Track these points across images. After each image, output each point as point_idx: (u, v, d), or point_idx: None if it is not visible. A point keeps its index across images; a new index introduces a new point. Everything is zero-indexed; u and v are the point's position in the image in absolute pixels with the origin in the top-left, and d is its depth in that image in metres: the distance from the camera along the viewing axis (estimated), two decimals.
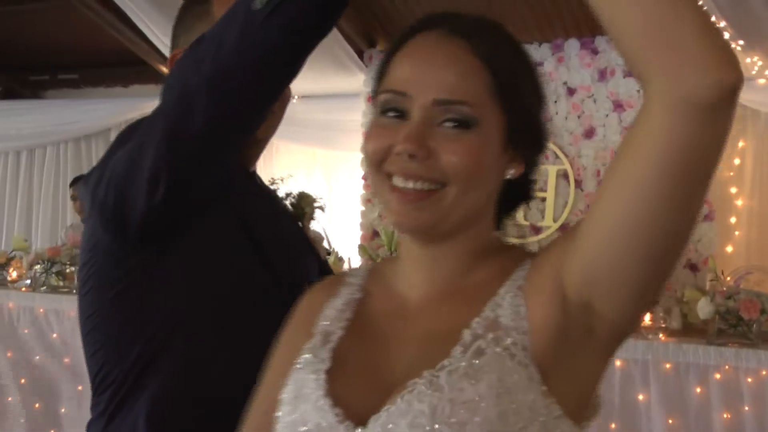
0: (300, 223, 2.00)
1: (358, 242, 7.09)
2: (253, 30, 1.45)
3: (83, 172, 7.63)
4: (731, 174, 6.74)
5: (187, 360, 1.68)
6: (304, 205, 1.93)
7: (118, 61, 8.58)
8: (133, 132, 1.67)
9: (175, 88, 1.55)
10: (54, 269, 5.04)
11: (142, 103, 8.57)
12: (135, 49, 7.85)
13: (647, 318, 4.10)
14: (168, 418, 1.68)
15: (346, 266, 4.72)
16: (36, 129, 8.75)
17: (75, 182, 6.74)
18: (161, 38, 6.90)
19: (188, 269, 1.67)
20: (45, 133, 8.80)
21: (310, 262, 1.93)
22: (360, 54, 7.29)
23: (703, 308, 3.91)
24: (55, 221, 8.75)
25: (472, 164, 1.18)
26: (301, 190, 2.15)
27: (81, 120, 8.71)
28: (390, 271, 1.35)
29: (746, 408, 3.68)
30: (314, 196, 2.04)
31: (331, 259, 4.68)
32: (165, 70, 8.05)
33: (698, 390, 3.69)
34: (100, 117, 8.74)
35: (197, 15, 1.77)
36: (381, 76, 1.29)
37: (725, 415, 3.69)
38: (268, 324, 1.56)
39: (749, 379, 3.69)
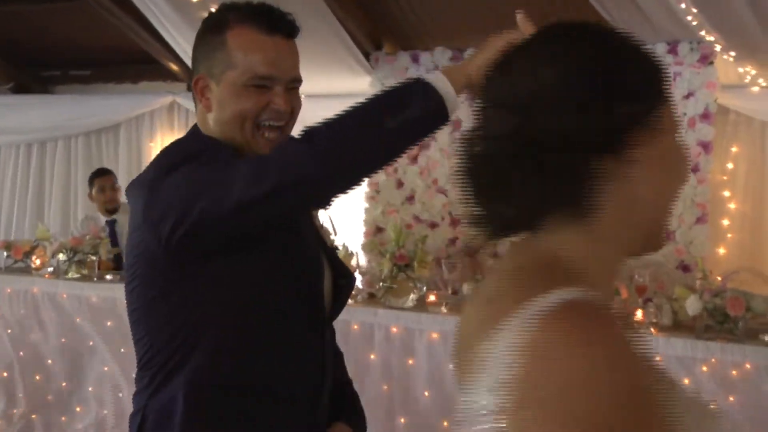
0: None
1: (362, 239, 7.29)
2: (384, 141, 1.74)
3: (93, 166, 7.83)
4: (725, 178, 6.91)
5: (215, 352, 1.93)
6: None
7: (128, 59, 8.72)
8: (181, 157, 1.91)
9: (282, 167, 1.74)
10: (76, 258, 5.25)
11: (151, 99, 8.80)
12: (147, 48, 7.99)
13: (640, 314, 4.29)
14: (201, 398, 1.93)
15: (354, 261, 4.88)
16: (47, 123, 8.86)
17: (96, 176, 6.90)
18: (177, 38, 7.08)
19: (218, 281, 1.91)
20: (56, 127, 8.91)
21: (321, 258, 2.12)
22: (367, 56, 7.44)
23: (692, 305, 4.08)
24: (66, 213, 8.88)
25: None
26: None
27: (91, 115, 8.83)
28: None
29: (731, 398, 3.85)
30: None
31: (341, 254, 4.87)
32: (174, 67, 8.24)
33: (686, 381, 3.83)
34: (109, 112, 8.86)
35: (215, 45, 1.96)
36: None
37: (711, 405, 3.88)
38: (286, 322, 1.80)
39: (734, 372, 3.86)
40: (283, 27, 1.97)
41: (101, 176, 6.90)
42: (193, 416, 1.91)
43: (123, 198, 7.02)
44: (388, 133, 1.73)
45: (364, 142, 1.75)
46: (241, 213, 1.75)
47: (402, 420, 4.39)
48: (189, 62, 6.99)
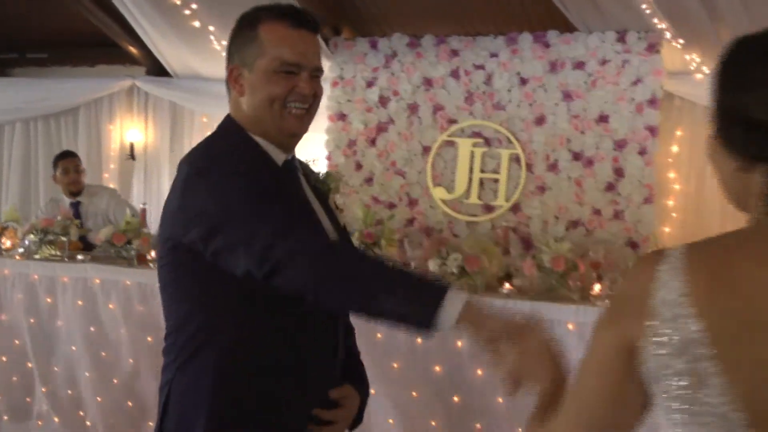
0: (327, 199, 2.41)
1: None
2: (366, 306, 1.94)
3: (53, 149, 7.88)
4: (670, 160, 7.19)
5: (238, 332, 2.15)
6: (330, 182, 2.33)
7: (86, 42, 8.72)
8: (199, 180, 2.12)
9: (307, 266, 1.94)
10: (48, 238, 5.35)
11: (109, 82, 8.83)
12: (106, 30, 8.02)
13: (597, 288, 4.55)
14: (226, 376, 2.15)
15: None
16: (5, 106, 8.85)
17: (60, 159, 6.96)
18: (140, 20, 7.20)
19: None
20: (14, 110, 8.91)
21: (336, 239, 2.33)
22: (326, 41, 7.55)
23: None
24: (26, 196, 8.88)
25: None
26: (327, 170, 2.58)
27: (49, 98, 8.84)
28: None
29: None
30: (338, 174, 2.49)
31: None
32: (134, 50, 8.31)
33: None
34: (68, 95, 8.87)
35: (249, 39, 2.22)
36: None
37: None
38: (301, 303, 2.02)
39: None
40: (308, 23, 2.23)
41: (65, 158, 6.95)
42: (219, 393, 2.13)
43: (87, 180, 7.13)
44: (373, 305, 1.91)
45: (353, 295, 1.96)
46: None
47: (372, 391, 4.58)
48: (150, 45, 7.07)
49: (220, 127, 2.32)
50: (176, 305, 2.22)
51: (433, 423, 4.58)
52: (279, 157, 2.24)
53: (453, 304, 1.81)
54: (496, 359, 1.73)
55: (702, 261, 1.27)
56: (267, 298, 2.09)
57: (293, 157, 2.32)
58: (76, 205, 6.75)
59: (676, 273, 1.26)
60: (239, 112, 2.27)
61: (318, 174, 2.38)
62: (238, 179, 2.07)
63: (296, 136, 2.28)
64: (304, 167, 2.41)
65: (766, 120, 1.27)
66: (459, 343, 4.40)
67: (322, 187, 2.41)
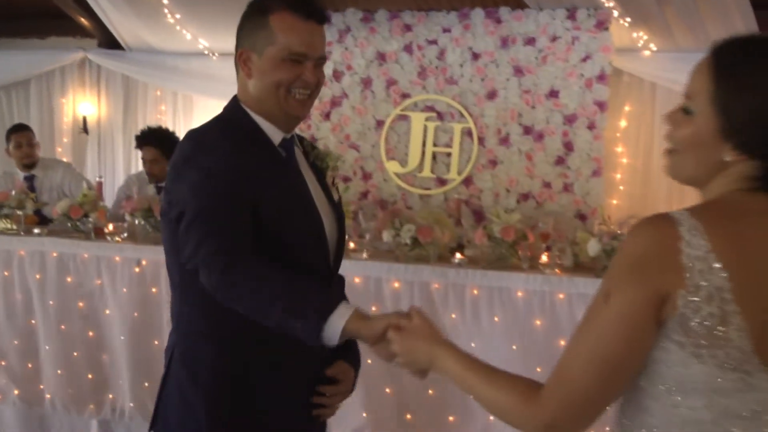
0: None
1: None
2: (264, 316, 2.17)
3: (5, 123, 7.84)
4: (618, 135, 7.35)
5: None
6: (328, 160, 2.45)
7: (35, 13, 8.64)
8: (185, 167, 2.30)
9: (218, 272, 2.18)
10: (3, 212, 5.35)
11: (61, 55, 8.78)
12: (57, 2, 7.99)
13: (544, 256, 4.68)
14: (223, 341, 2.37)
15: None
16: None
17: (12, 132, 6.93)
18: None
19: None
20: None
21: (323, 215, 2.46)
22: None
23: (592, 247, 4.47)
24: None
25: None
26: (325, 148, 2.72)
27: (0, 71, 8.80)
28: None
29: None
30: (337, 153, 2.63)
31: None
32: (85, 22, 8.26)
33: None
34: (18, 68, 8.84)
35: (259, 25, 2.35)
36: None
37: None
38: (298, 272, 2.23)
39: None
40: (316, 14, 2.38)
41: (17, 132, 6.93)
42: (219, 359, 2.35)
43: (41, 154, 7.11)
44: (269, 316, 2.15)
45: (253, 306, 2.17)
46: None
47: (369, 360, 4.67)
48: (102, 17, 7.05)
49: (225, 108, 2.47)
50: (175, 273, 2.40)
51: (408, 416, 4.70)
52: (277, 136, 2.40)
53: (338, 319, 2.06)
54: (385, 356, 2.03)
55: (714, 223, 1.53)
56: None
57: (293, 136, 2.45)
58: (30, 179, 6.74)
59: (699, 233, 1.51)
60: (245, 93, 2.42)
61: (318, 152, 2.50)
62: (213, 179, 2.22)
63: (298, 119, 2.44)
64: (305, 145, 2.53)
65: None
66: None
67: (321, 164, 2.51)
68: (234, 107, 2.44)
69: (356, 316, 2.08)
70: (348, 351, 2.54)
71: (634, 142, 7.38)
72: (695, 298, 1.50)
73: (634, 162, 7.37)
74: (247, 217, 2.22)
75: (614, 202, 7.25)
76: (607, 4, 6.56)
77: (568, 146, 6.76)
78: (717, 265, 1.50)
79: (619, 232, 4.61)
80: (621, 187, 7.36)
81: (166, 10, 7.28)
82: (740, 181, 1.61)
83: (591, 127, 6.78)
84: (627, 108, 7.34)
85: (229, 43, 7.40)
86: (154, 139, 6.62)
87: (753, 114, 1.57)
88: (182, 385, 2.38)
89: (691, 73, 1.69)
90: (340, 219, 2.55)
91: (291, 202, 2.33)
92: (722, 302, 1.49)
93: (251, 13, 2.40)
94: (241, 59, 2.39)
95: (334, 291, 2.52)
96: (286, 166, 2.41)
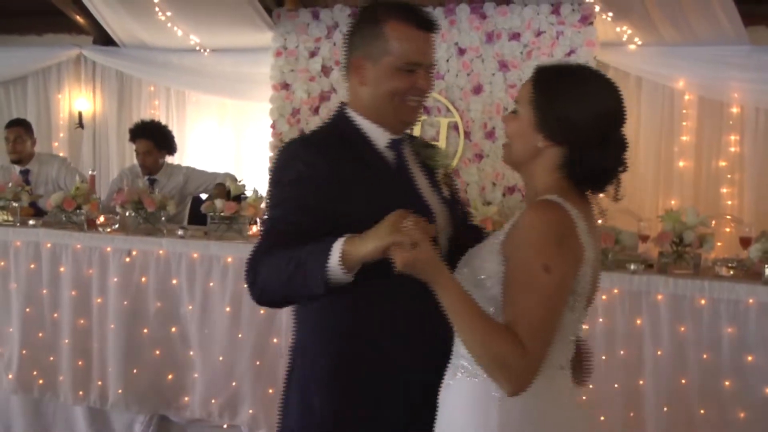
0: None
1: (267, 186, 7.60)
2: (286, 293, 2.28)
3: (3, 118, 7.95)
4: None
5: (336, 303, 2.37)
6: (438, 159, 2.54)
7: (32, 10, 8.76)
8: (274, 175, 2.41)
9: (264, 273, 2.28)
10: (0, 204, 5.48)
11: (57, 51, 8.90)
12: (53, 0, 8.12)
13: None
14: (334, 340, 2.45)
15: (262, 205, 5.22)
16: None
17: (6, 127, 7.03)
18: None
19: None
20: None
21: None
22: (269, 12, 7.74)
23: None
24: None
25: None
26: (432, 142, 2.72)
27: None
28: None
29: (600, 320, 4.34)
30: (445, 150, 2.67)
31: (251, 199, 5.22)
32: (81, 20, 8.38)
33: None
34: (16, 65, 8.97)
35: (374, 35, 2.40)
36: None
37: (584, 326, 4.35)
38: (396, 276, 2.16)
39: (603, 297, 4.33)
40: (428, 23, 2.43)
41: (8, 127, 7.00)
42: (333, 356, 2.44)
43: (37, 149, 7.22)
44: (288, 290, 2.24)
45: (276, 289, 2.26)
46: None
47: None
48: (97, 15, 7.15)
49: (332, 117, 2.56)
50: None
51: None
52: (383, 138, 2.47)
53: (335, 248, 2.11)
54: (395, 257, 2.01)
55: (583, 210, 2.07)
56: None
57: (402, 137, 2.53)
58: (25, 173, 6.86)
59: (580, 218, 2.02)
60: (357, 99, 2.49)
61: (427, 151, 2.58)
62: (287, 188, 2.33)
63: (410, 124, 2.52)
64: (416, 144, 2.61)
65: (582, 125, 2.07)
66: None
67: (430, 163, 2.60)
68: (338, 115, 2.53)
69: (350, 239, 2.10)
70: None
71: None
72: (586, 268, 2.02)
73: None
74: (313, 227, 2.24)
75: (600, 195, 7.34)
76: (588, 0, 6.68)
77: None
78: (591, 242, 2.03)
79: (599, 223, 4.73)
80: None
81: (157, 9, 7.39)
82: (554, 169, 2.11)
83: None
84: None
85: (219, 39, 7.56)
86: (148, 132, 6.74)
87: (555, 112, 2.09)
88: (301, 381, 2.47)
89: (522, 85, 2.23)
90: (454, 215, 2.58)
91: (391, 202, 2.21)
92: (592, 269, 2.06)
93: (364, 22, 2.46)
94: (354, 67, 2.45)
95: None
96: (391, 168, 2.47)
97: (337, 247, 2.10)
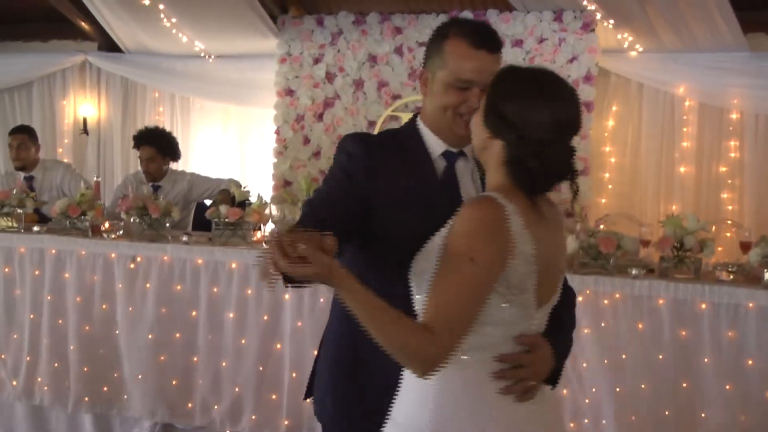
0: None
1: (270, 192, 7.68)
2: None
3: (8, 124, 8.00)
4: (605, 134, 7.50)
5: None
6: None
7: (37, 17, 8.83)
8: (346, 152, 2.51)
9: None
10: (4, 211, 5.51)
11: (61, 58, 8.95)
12: (57, 6, 8.15)
13: None
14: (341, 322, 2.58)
15: (267, 211, 5.25)
16: None
17: (9, 134, 7.07)
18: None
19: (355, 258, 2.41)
20: None
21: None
22: (274, 19, 7.80)
23: (570, 244, 4.56)
24: None
25: None
26: None
27: (3, 73, 8.98)
28: None
29: (602, 324, 4.36)
30: None
31: (255, 205, 5.24)
32: (85, 26, 8.42)
33: None
34: (21, 71, 9.02)
35: (437, 48, 2.47)
36: None
37: (586, 330, 4.36)
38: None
39: (606, 301, 4.37)
40: (488, 44, 2.42)
41: (12, 134, 7.03)
42: (336, 334, 2.65)
43: (42, 155, 7.26)
44: None
45: None
46: None
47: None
48: (102, 21, 7.20)
49: (406, 122, 2.66)
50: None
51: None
52: (438, 148, 2.53)
53: None
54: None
55: (522, 206, 2.07)
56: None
57: (459, 150, 2.55)
58: (29, 179, 6.89)
59: (516, 213, 2.05)
60: (423, 109, 2.58)
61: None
62: (329, 178, 2.49)
63: (463, 138, 2.49)
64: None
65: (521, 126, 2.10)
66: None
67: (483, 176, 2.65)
68: (409, 120, 2.63)
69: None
70: (553, 337, 2.31)
71: (621, 141, 7.53)
72: (517, 262, 2.05)
73: (622, 161, 7.52)
74: (334, 225, 2.21)
75: (603, 200, 7.40)
76: (589, 7, 6.71)
77: None
78: (528, 237, 2.06)
79: (601, 228, 4.76)
80: (609, 186, 7.50)
81: (162, 15, 7.43)
82: (501, 164, 2.16)
83: None
84: (614, 108, 7.50)
85: (224, 45, 7.59)
86: (152, 138, 6.76)
87: (498, 108, 2.13)
88: (318, 359, 2.73)
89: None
90: None
91: (425, 210, 2.37)
92: (529, 264, 2.07)
93: (434, 35, 2.51)
94: (422, 78, 2.54)
95: None
96: (437, 178, 2.51)
97: None
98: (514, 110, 2.10)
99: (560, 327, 2.39)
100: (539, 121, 2.08)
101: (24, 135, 7.04)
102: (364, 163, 2.42)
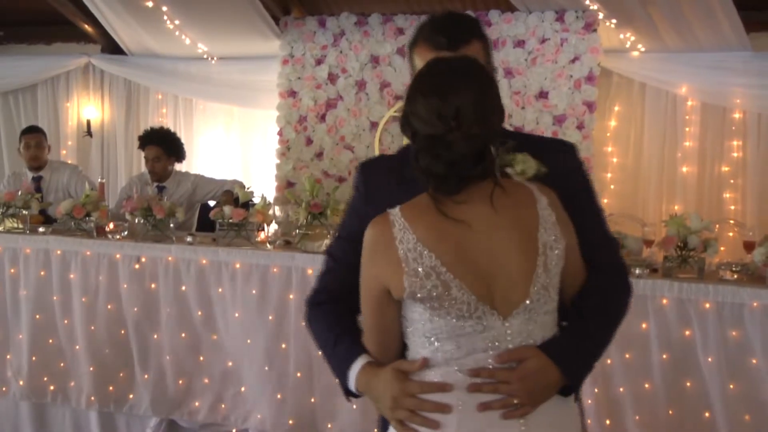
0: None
1: (273, 193, 7.71)
2: None
3: (13, 126, 8.04)
4: (608, 135, 7.52)
5: None
6: (520, 165, 2.45)
7: (41, 20, 8.86)
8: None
9: None
10: (10, 212, 5.54)
11: (65, 60, 8.97)
12: (60, 9, 8.18)
13: None
14: None
15: (270, 211, 5.27)
16: None
17: (24, 133, 7.11)
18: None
19: None
20: None
21: None
22: (276, 20, 7.80)
23: None
24: None
25: None
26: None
27: (7, 76, 9.01)
28: None
29: None
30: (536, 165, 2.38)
31: (259, 205, 5.26)
32: (89, 29, 8.46)
33: None
34: (25, 73, 9.04)
35: (410, 58, 2.48)
36: None
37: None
38: None
39: None
40: (450, 43, 2.35)
41: (27, 133, 7.10)
42: None
43: (51, 156, 7.29)
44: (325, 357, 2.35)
45: (317, 344, 2.40)
46: None
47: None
48: (105, 24, 7.24)
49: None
50: None
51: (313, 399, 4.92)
52: None
53: (353, 374, 2.19)
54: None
55: (416, 220, 2.01)
56: None
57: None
58: (37, 180, 6.93)
59: (407, 229, 2.00)
60: None
61: (504, 157, 2.46)
62: (345, 210, 2.51)
63: None
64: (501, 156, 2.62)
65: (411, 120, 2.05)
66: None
67: (516, 171, 2.57)
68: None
69: (363, 376, 2.15)
70: (558, 344, 2.12)
71: (624, 141, 7.54)
72: (415, 279, 1.97)
73: (625, 161, 7.53)
74: (345, 255, 2.31)
75: (605, 200, 7.40)
76: (591, 6, 6.73)
77: None
78: (425, 251, 1.97)
79: None
80: (612, 186, 7.52)
81: (165, 17, 7.45)
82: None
83: (580, 127, 6.95)
84: (617, 108, 7.51)
85: (227, 47, 7.61)
86: (157, 139, 6.81)
87: (406, 107, 2.06)
88: None
89: None
90: None
91: None
92: (439, 275, 1.97)
93: (408, 43, 2.50)
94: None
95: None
96: None
97: (353, 376, 2.17)
98: (406, 108, 2.07)
99: (576, 331, 2.17)
100: (419, 116, 2.00)
101: (41, 134, 7.15)
102: (364, 190, 2.39)
